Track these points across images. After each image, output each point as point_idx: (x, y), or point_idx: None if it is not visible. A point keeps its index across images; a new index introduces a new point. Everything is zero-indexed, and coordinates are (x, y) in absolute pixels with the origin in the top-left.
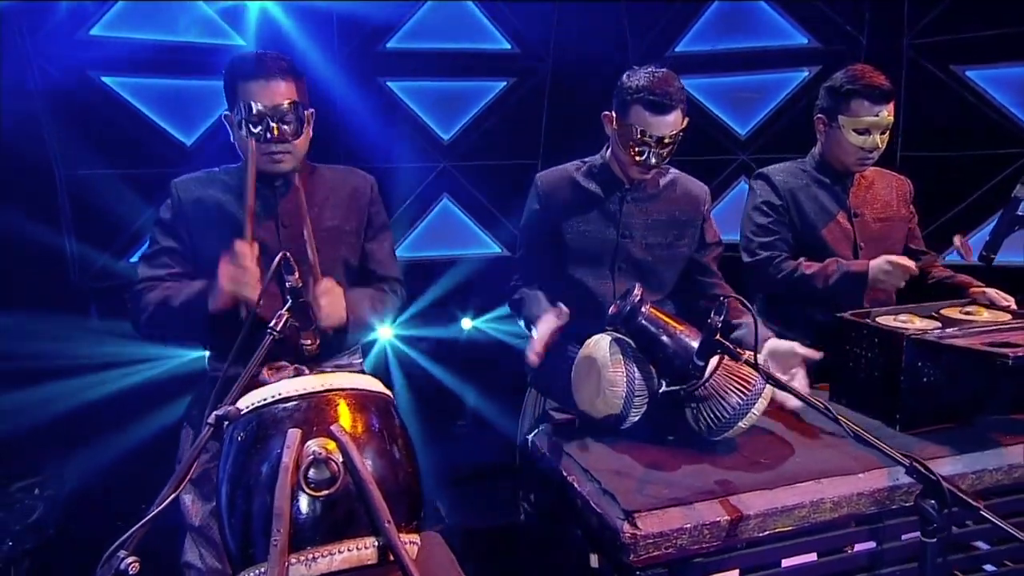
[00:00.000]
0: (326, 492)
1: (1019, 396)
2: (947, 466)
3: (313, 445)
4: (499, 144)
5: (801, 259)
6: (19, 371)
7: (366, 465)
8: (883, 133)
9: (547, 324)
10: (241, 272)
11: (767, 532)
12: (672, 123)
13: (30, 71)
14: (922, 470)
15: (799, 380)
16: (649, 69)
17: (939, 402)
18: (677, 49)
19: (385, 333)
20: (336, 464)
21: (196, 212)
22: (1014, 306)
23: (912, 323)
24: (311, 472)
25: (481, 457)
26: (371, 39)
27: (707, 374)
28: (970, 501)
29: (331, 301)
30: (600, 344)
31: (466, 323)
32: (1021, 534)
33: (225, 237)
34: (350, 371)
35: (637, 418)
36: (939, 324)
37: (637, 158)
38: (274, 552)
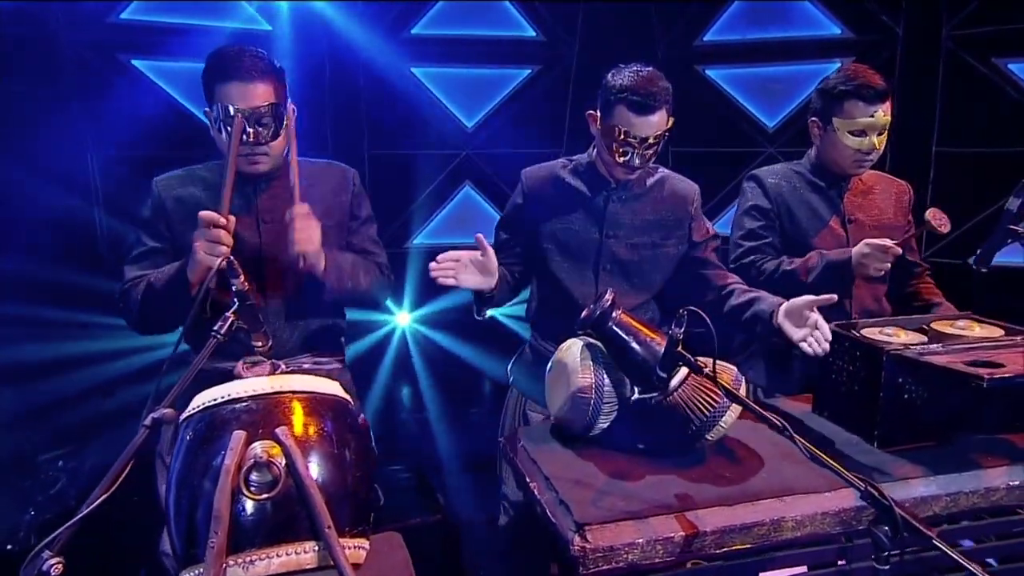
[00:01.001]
0: (266, 495)
1: (1007, 415)
2: (920, 487)
3: (258, 448)
4: (523, 132)
5: (783, 257)
6: (48, 345)
7: (309, 469)
8: (880, 134)
9: (465, 251)
10: (213, 244)
11: (724, 549)
12: (656, 124)
13: (64, 56)
14: (875, 494)
15: (821, 325)
16: (634, 68)
17: (920, 420)
18: (705, 38)
19: (403, 319)
20: (278, 468)
21: (177, 211)
22: None
23: (897, 337)
24: (252, 475)
25: (495, 446)
26: (397, 25)
27: (673, 385)
28: (922, 529)
29: (306, 224)
30: (572, 349)
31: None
32: (972, 565)
33: None
34: (323, 372)
35: (606, 425)
36: (925, 339)
37: (621, 159)
38: (211, 554)
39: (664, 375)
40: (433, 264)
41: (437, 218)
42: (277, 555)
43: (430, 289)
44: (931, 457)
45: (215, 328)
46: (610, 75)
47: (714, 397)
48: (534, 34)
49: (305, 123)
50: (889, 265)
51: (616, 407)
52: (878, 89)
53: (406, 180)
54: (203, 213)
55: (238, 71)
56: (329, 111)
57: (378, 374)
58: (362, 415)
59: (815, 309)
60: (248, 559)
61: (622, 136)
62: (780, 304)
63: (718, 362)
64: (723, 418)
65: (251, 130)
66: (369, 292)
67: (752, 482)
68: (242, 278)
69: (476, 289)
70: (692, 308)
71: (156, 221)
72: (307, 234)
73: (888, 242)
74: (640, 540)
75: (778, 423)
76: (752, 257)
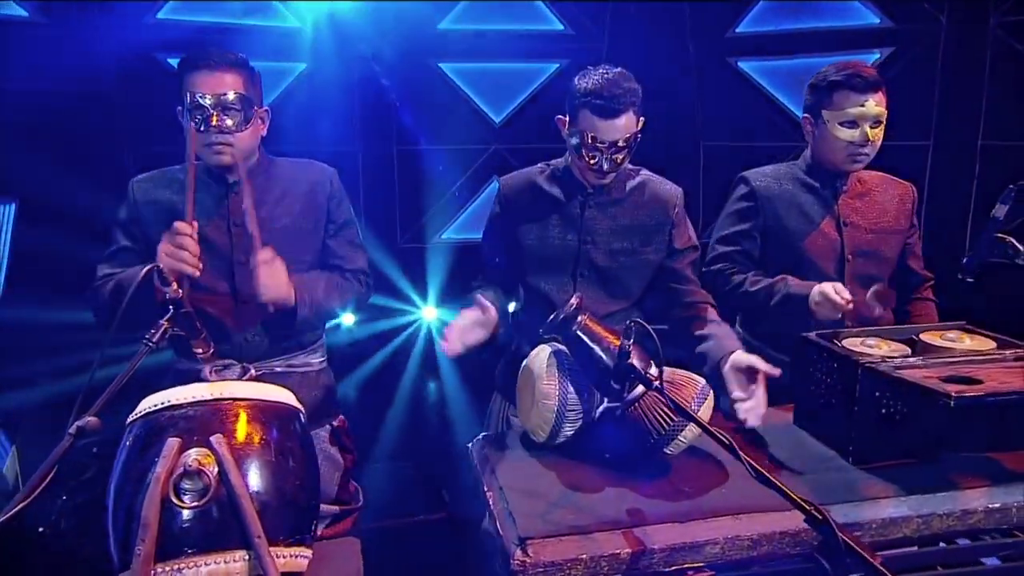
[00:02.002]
0: (196, 504)
1: (996, 433)
2: (890, 508)
3: (192, 455)
4: (551, 126)
5: (749, 274)
6: (87, 332)
7: (246, 478)
8: (874, 126)
9: (464, 315)
10: (177, 249)
11: (674, 568)
12: (623, 127)
13: (96, 50)
14: (818, 517)
15: (758, 396)
16: (600, 70)
17: (899, 436)
18: (738, 29)
19: (429, 314)
20: (209, 476)
21: (150, 212)
22: None
23: (878, 348)
24: (183, 483)
25: None
26: (424, 20)
27: (631, 397)
28: (864, 554)
29: (270, 272)
30: (539, 355)
31: (511, 306)
32: None
33: None
34: (297, 375)
35: (571, 433)
36: (908, 351)
37: (591, 163)
38: (136, 561)
39: (618, 387)
40: (445, 345)
41: (465, 213)
42: (205, 563)
43: (456, 285)
44: (907, 476)
45: (147, 336)
46: (577, 78)
47: (672, 412)
48: (562, 28)
49: (334, 120)
50: (839, 315)
51: (581, 416)
52: (868, 79)
53: (434, 176)
54: (177, 223)
55: (206, 60)
56: (357, 108)
57: (405, 369)
58: (340, 416)
59: (760, 379)
60: (176, 567)
61: (589, 141)
62: (730, 353)
63: (685, 373)
64: (681, 433)
65: (214, 114)
66: (346, 309)
67: (711, 498)
68: (174, 286)
69: (480, 342)
70: (638, 320)
71: (130, 222)
72: (273, 281)
73: (844, 296)
74: (584, 556)
75: (725, 440)
76: (722, 264)
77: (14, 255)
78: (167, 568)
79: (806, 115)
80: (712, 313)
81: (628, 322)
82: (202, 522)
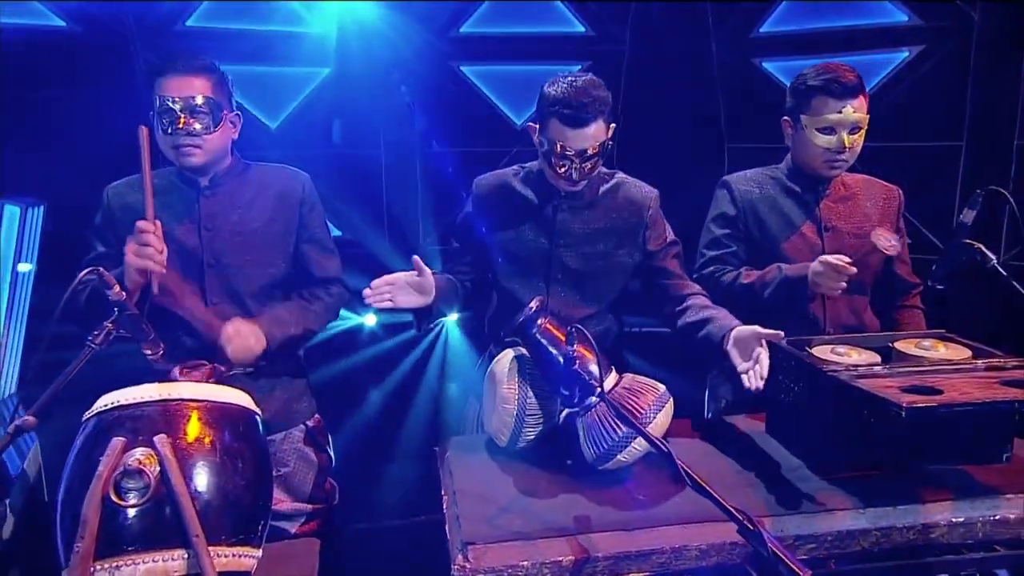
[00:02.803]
0: (136, 503)
1: (968, 444)
2: (848, 520)
3: (136, 454)
4: None
5: (742, 268)
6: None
7: (192, 478)
8: (852, 132)
9: (398, 274)
10: (143, 247)
11: None
12: (592, 135)
13: (133, 59)
14: (749, 527)
15: (762, 360)
16: (570, 78)
17: (864, 447)
18: (762, 29)
19: (450, 316)
20: (150, 475)
21: (124, 217)
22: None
23: (848, 356)
24: (125, 482)
25: None
26: (446, 24)
27: (586, 403)
28: (795, 568)
29: (237, 346)
30: (503, 360)
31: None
32: None
33: None
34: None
35: (533, 438)
36: (878, 359)
37: (560, 171)
38: (75, 558)
39: (566, 392)
40: (367, 291)
41: None
42: (144, 561)
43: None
44: (870, 488)
45: (89, 338)
46: (546, 86)
47: (633, 415)
48: (583, 30)
49: (358, 124)
50: (844, 285)
51: (542, 421)
52: (847, 84)
53: (456, 178)
54: (139, 222)
55: (174, 65)
56: (380, 111)
57: (426, 371)
58: (316, 416)
59: (762, 342)
60: (114, 564)
61: (559, 149)
62: (731, 329)
63: (646, 380)
64: (635, 441)
65: (181, 116)
66: (321, 329)
67: (663, 506)
68: (116, 288)
69: (414, 308)
70: (578, 327)
71: (105, 227)
72: (241, 353)
73: (843, 260)
74: (525, 563)
75: (664, 448)
76: (713, 267)
77: (44, 255)
78: (105, 565)
79: (785, 118)
80: (704, 300)
81: (570, 328)
82: (142, 521)
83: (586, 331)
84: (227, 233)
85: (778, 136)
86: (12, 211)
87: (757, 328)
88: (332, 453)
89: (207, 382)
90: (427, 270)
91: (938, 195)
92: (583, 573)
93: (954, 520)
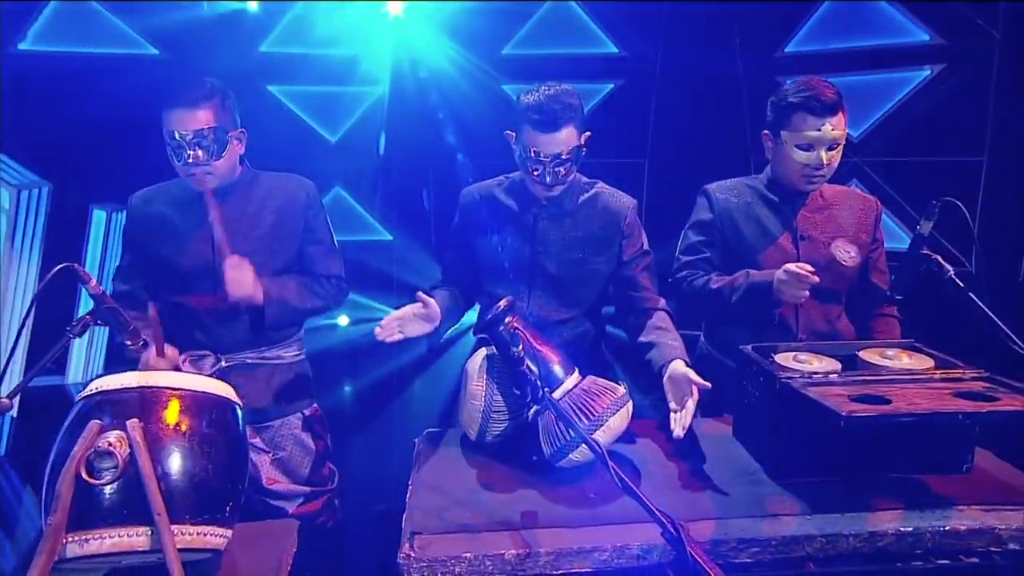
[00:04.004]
0: (104, 481)
1: (926, 454)
2: (793, 525)
3: (110, 436)
4: (606, 143)
5: (712, 274)
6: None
7: (151, 460)
8: (830, 149)
9: (405, 308)
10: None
11: (560, 572)
12: (563, 140)
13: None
14: (673, 533)
15: (689, 407)
16: (543, 87)
17: (820, 453)
18: (787, 50)
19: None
20: (119, 457)
21: (145, 225)
22: None
23: (809, 364)
24: (96, 462)
25: None
26: (490, 46)
27: (544, 402)
28: (710, 573)
29: (237, 276)
30: (476, 357)
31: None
32: None
33: (167, 248)
34: (268, 365)
35: (499, 432)
36: (839, 367)
37: (534, 176)
38: (48, 530)
39: (517, 392)
40: (378, 329)
41: None
42: (110, 536)
43: None
44: (822, 494)
45: (68, 327)
46: (521, 95)
47: (588, 414)
48: (616, 51)
49: (407, 137)
50: (807, 293)
51: (507, 418)
52: (827, 102)
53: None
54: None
55: (179, 98)
56: (428, 127)
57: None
58: (314, 405)
59: (693, 390)
60: (84, 538)
61: (532, 154)
62: (669, 362)
63: (606, 383)
64: (574, 452)
65: (189, 153)
66: (318, 310)
67: (612, 505)
68: (93, 283)
69: (423, 334)
70: (516, 325)
71: (131, 235)
72: (239, 282)
73: (805, 268)
74: (468, 555)
75: (599, 450)
76: (685, 272)
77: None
78: (75, 538)
79: (766, 131)
80: (661, 320)
81: (514, 328)
82: (110, 499)
83: (524, 331)
84: (237, 238)
85: None
86: (99, 215)
87: (690, 373)
88: (329, 441)
89: (210, 371)
90: (431, 301)
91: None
92: (525, 567)
93: (902, 530)
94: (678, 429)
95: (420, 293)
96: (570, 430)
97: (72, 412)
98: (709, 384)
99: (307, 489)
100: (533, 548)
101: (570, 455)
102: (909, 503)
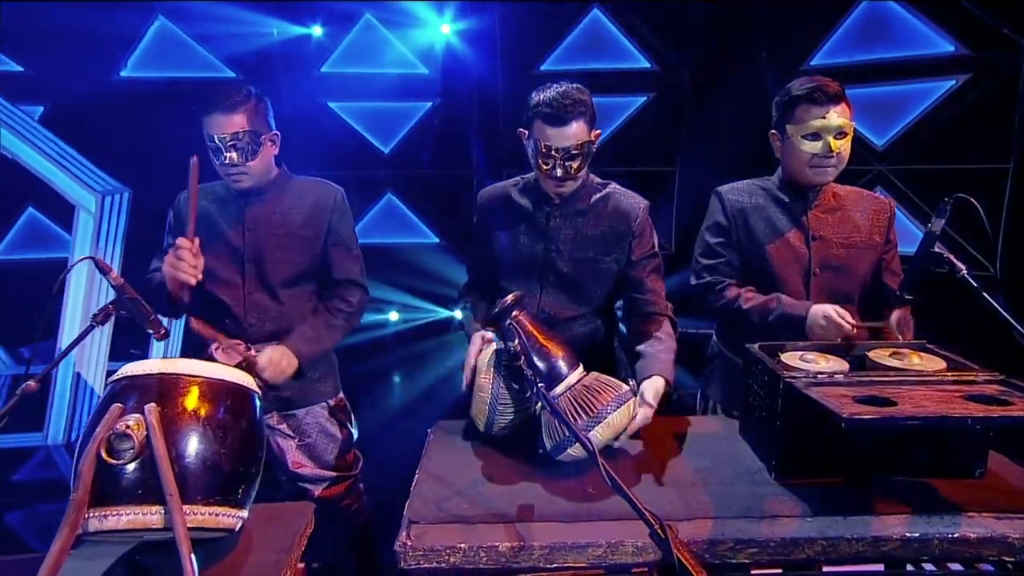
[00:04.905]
0: (122, 461)
1: (935, 456)
2: (793, 527)
3: (129, 420)
4: (640, 152)
5: (743, 290)
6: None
7: (166, 443)
8: (838, 137)
9: (472, 352)
10: (178, 261)
11: (554, 565)
12: (573, 134)
13: (280, 98)
14: (661, 536)
15: (631, 427)
16: (555, 84)
17: (825, 454)
18: (812, 62)
19: None
20: (135, 439)
21: (187, 221)
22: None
23: (816, 364)
24: (116, 443)
25: None
26: (528, 63)
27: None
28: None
29: (273, 373)
30: (487, 351)
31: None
32: None
33: (205, 244)
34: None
35: (506, 424)
36: (846, 367)
37: (545, 170)
38: (71, 506)
39: (516, 387)
40: (465, 384)
41: None
42: (126, 513)
43: None
44: (825, 496)
45: (93, 315)
46: (533, 93)
47: (590, 409)
48: (648, 65)
49: (455, 147)
50: (840, 340)
51: (513, 410)
52: (829, 92)
53: None
54: (179, 239)
55: (216, 104)
56: (475, 139)
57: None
58: (339, 395)
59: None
60: (102, 514)
61: (543, 149)
62: (648, 377)
63: (609, 380)
64: (590, 433)
65: (226, 155)
66: (344, 335)
67: (610, 501)
68: (113, 274)
69: None
70: (511, 322)
71: (175, 226)
72: (278, 376)
73: (846, 318)
74: (463, 545)
75: (590, 447)
76: (710, 278)
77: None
78: (96, 514)
79: (773, 131)
80: (659, 327)
81: (508, 323)
82: (127, 478)
83: (517, 326)
84: (266, 234)
85: None
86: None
87: (646, 394)
88: (353, 429)
89: (239, 361)
90: (486, 338)
91: (985, 215)
92: (518, 559)
93: (908, 535)
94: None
95: (471, 334)
96: (563, 427)
97: (103, 395)
98: (650, 414)
99: (332, 474)
100: (527, 541)
101: (568, 450)
102: (917, 508)
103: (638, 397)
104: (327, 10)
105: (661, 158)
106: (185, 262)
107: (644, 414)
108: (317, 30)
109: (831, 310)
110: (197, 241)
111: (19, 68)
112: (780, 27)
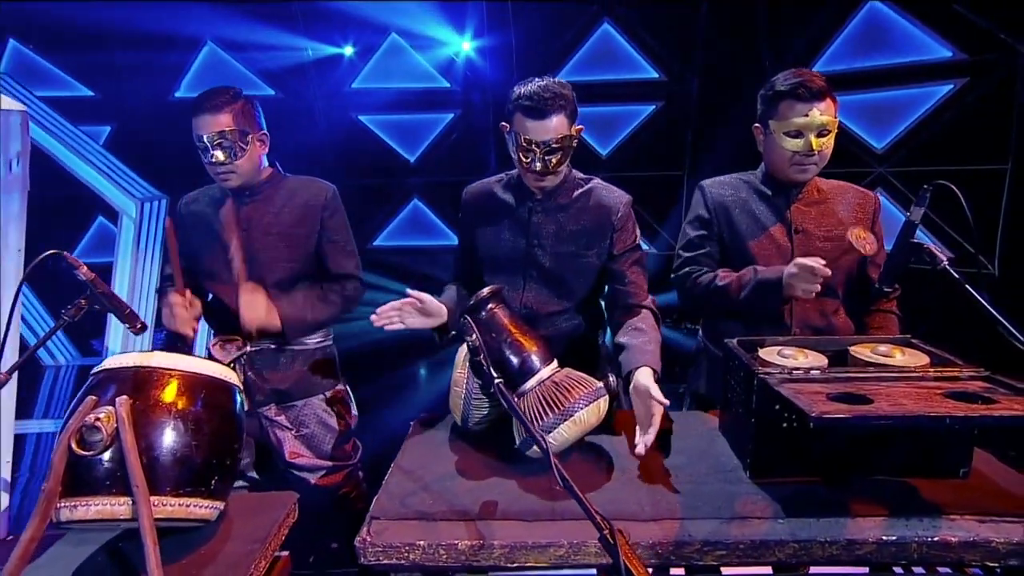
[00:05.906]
0: (92, 453)
1: (918, 455)
2: (765, 528)
3: (100, 412)
4: (650, 158)
5: (719, 270)
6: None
7: (135, 435)
8: (820, 135)
9: (403, 300)
10: (171, 316)
11: (515, 564)
12: (553, 128)
13: (315, 113)
14: (610, 541)
15: (651, 432)
16: (537, 79)
17: (802, 453)
18: (814, 70)
19: None
20: (105, 431)
21: (187, 223)
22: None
23: (794, 359)
24: (85, 434)
25: None
26: (542, 75)
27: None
28: None
29: (247, 302)
30: (464, 346)
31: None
32: None
33: (202, 245)
34: (301, 347)
35: (479, 419)
36: (825, 363)
37: (525, 163)
38: (42, 496)
39: (478, 382)
40: (374, 316)
41: None
42: (95, 504)
43: None
44: (799, 496)
45: (63, 310)
46: (515, 87)
47: (559, 405)
48: (657, 75)
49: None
50: (818, 287)
51: (488, 405)
52: (814, 88)
53: None
54: (172, 295)
55: (203, 105)
56: (493, 146)
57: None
58: (337, 387)
59: (654, 407)
60: (73, 504)
61: (523, 142)
62: (636, 368)
63: (582, 376)
64: (550, 434)
65: (213, 153)
66: (334, 316)
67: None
68: (83, 269)
69: (426, 328)
70: (466, 317)
71: (178, 230)
72: (252, 313)
73: (817, 262)
74: (422, 543)
75: (543, 446)
76: (688, 268)
77: None
78: (66, 504)
79: (757, 125)
80: (643, 319)
81: (463, 317)
82: (97, 469)
83: (470, 321)
84: (260, 233)
85: (829, 163)
86: None
87: (652, 388)
88: (351, 420)
89: (235, 354)
90: (425, 296)
91: (983, 214)
92: (478, 558)
93: (884, 538)
94: (640, 447)
95: (409, 290)
96: (536, 421)
97: (83, 387)
98: (668, 401)
99: (329, 463)
100: (487, 540)
101: (535, 447)
102: (895, 509)
103: (647, 394)
104: (357, 31)
105: (670, 163)
106: (178, 318)
107: (658, 412)
108: (348, 50)
109: (799, 259)
110: (188, 293)
111: (89, 93)
112: (782, 35)
